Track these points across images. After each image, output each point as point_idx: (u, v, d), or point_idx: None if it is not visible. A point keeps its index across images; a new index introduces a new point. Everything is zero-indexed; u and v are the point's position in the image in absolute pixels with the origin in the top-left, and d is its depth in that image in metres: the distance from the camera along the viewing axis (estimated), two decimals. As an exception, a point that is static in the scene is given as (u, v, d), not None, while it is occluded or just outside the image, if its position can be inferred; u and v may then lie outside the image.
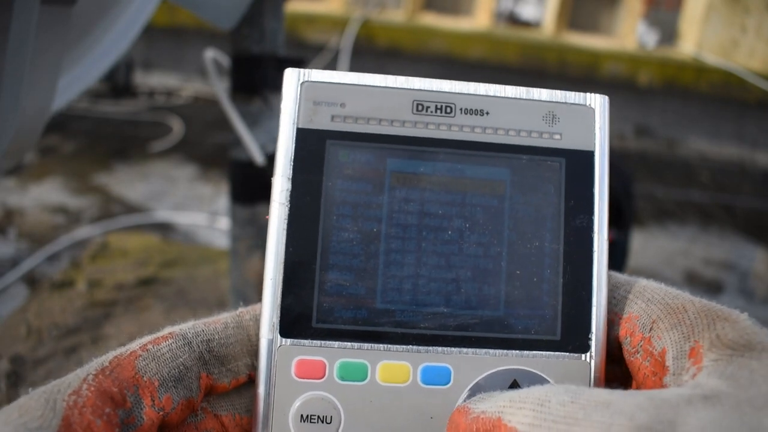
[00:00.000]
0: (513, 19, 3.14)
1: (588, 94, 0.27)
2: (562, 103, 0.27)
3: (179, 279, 0.99)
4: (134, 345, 0.24)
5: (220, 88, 0.70)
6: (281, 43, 0.71)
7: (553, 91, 0.27)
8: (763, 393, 0.19)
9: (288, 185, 0.25)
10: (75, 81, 0.58)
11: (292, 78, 0.26)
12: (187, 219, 1.79)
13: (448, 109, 0.26)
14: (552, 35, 2.98)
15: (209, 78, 0.71)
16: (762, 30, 2.86)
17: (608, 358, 0.26)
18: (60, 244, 1.54)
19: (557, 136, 0.27)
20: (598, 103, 0.27)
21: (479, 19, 3.00)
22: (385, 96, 0.26)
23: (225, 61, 0.73)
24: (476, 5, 3.01)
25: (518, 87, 0.27)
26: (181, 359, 0.24)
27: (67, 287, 0.93)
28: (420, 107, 0.26)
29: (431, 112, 0.26)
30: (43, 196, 1.87)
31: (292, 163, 0.25)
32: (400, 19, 2.99)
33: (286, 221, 0.25)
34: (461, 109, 0.26)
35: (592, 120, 0.27)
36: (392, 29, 2.91)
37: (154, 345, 0.24)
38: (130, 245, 1.09)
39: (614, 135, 2.87)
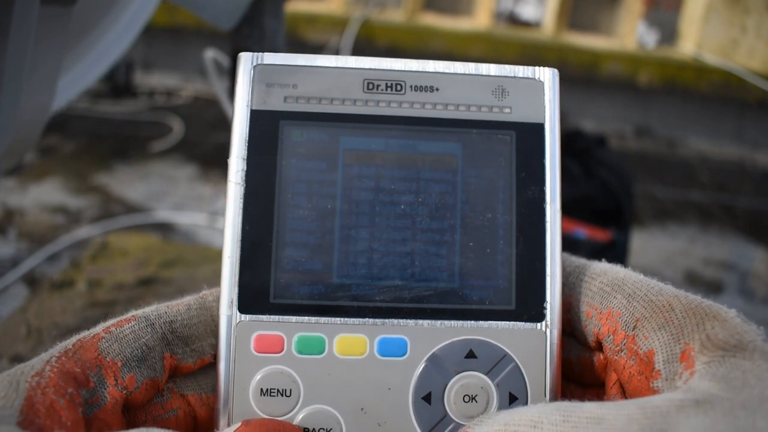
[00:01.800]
0: (513, 19, 3.13)
1: (536, 67, 0.27)
2: (511, 77, 0.27)
3: (179, 279, 0.99)
4: (98, 328, 0.24)
5: (220, 88, 0.70)
6: (281, 43, 0.71)
7: (503, 65, 0.27)
8: (756, 395, 0.19)
9: (243, 165, 0.25)
10: (75, 81, 0.58)
11: (245, 62, 0.26)
12: (187, 219, 1.79)
13: (399, 87, 0.27)
14: (552, 35, 2.98)
15: (209, 78, 0.71)
16: (762, 30, 2.86)
17: (587, 349, 0.26)
18: (60, 244, 1.54)
19: (507, 110, 0.27)
20: (547, 76, 0.27)
21: (479, 19, 3.00)
22: (337, 76, 0.26)
23: (225, 61, 0.73)
24: (476, 5, 3.01)
25: (467, 63, 0.27)
26: (143, 340, 0.24)
27: (67, 287, 0.93)
28: (371, 86, 0.27)
29: (382, 90, 0.27)
30: (43, 196, 1.86)
31: (246, 144, 0.26)
32: (400, 19, 2.99)
33: (242, 200, 0.25)
34: (411, 86, 0.27)
35: (541, 93, 0.27)
36: (392, 29, 2.91)
37: (117, 327, 0.24)
38: (130, 245, 1.09)
39: (614, 135, 2.87)
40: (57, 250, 1.52)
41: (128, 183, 2.02)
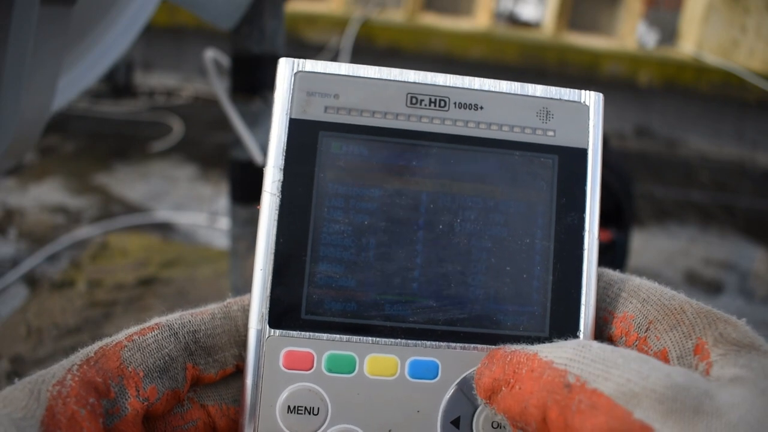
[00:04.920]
0: (513, 19, 3.13)
1: (583, 91, 0.27)
2: (557, 99, 0.27)
3: (179, 279, 0.99)
4: (120, 335, 0.24)
5: (220, 88, 0.70)
6: (281, 43, 0.71)
7: (548, 87, 0.27)
8: None
9: (279, 176, 0.25)
10: (75, 81, 0.58)
11: (285, 68, 0.26)
12: (187, 219, 1.79)
13: (442, 103, 0.26)
14: (552, 35, 2.98)
15: (209, 78, 0.71)
16: (762, 30, 2.86)
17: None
18: (60, 244, 1.54)
19: (551, 133, 0.26)
20: (592, 100, 0.27)
21: (479, 19, 3.00)
22: (379, 88, 0.26)
23: (225, 61, 0.73)
24: (476, 5, 3.01)
25: (513, 82, 0.27)
26: (166, 350, 0.24)
27: (67, 287, 0.93)
28: (414, 100, 0.26)
29: (425, 105, 0.26)
30: (43, 196, 1.86)
31: (284, 154, 0.25)
32: (400, 19, 2.99)
33: (277, 212, 0.25)
34: (455, 103, 0.26)
35: (586, 117, 0.27)
36: (392, 29, 2.91)
37: (140, 336, 0.24)
38: (130, 245, 1.09)
39: (614, 135, 2.87)
40: (57, 250, 1.52)
41: (128, 183, 2.02)
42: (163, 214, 1.81)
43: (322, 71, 0.26)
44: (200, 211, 1.85)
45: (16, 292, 1.35)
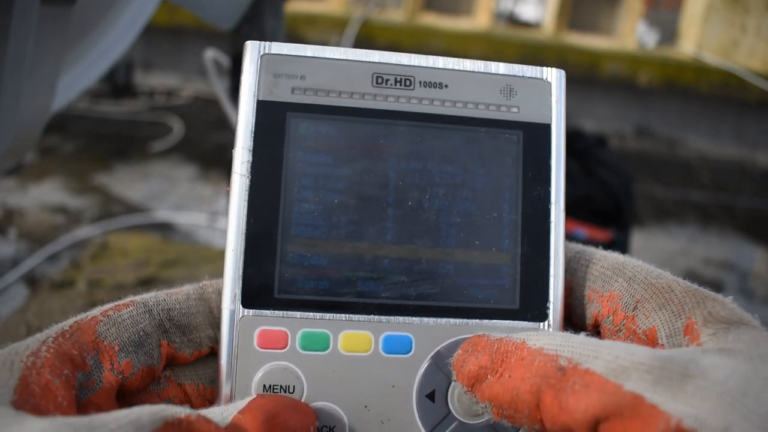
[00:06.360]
0: (513, 19, 3.13)
1: (544, 68, 0.28)
2: (519, 76, 0.27)
3: (179, 279, 0.99)
4: (95, 311, 0.24)
5: (220, 88, 0.70)
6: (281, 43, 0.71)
7: (511, 64, 0.27)
8: None
9: (248, 157, 0.25)
10: (75, 81, 0.58)
11: (252, 51, 0.26)
12: (187, 219, 1.79)
13: (408, 82, 0.27)
14: (552, 35, 2.98)
15: (209, 78, 0.71)
16: (762, 30, 2.86)
17: (586, 334, 0.27)
18: (60, 244, 1.54)
19: (515, 109, 0.27)
20: (554, 77, 0.27)
21: (479, 19, 3.00)
22: (345, 69, 0.26)
23: (225, 61, 0.73)
24: (476, 5, 3.01)
25: (477, 60, 0.27)
26: (141, 325, 0.24)
27: (67, 287, 0.93)
28: (380, 80, 0.26)
29: (391, 84, 0.26)
30: (43, 196, 1.86)
31: (252, 135, 0.25)
32: (400, 19, 2.99)
33: (247, 193, 0.25)
34: (420, 82, 0.27)
35: (548, 93, 0.27)
36: (392, 29, 2.91)
37: (115, 311, 0.24)
38: (130, 245, 1.09)
39: (614, 135, 2.87)
40: (57, 250, 1.52)
41: (128, 183, 2.02)
42: (163, 214, 1.81)
43: (288, 53, 0.26)
44: (200, 211, 1.85)
45: (16, 292, 1.35)
